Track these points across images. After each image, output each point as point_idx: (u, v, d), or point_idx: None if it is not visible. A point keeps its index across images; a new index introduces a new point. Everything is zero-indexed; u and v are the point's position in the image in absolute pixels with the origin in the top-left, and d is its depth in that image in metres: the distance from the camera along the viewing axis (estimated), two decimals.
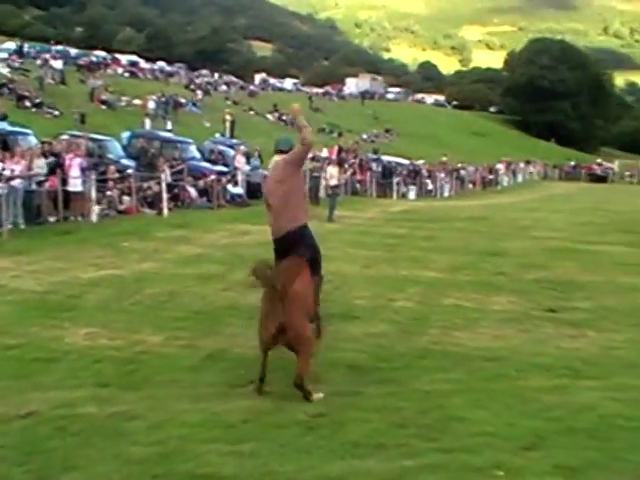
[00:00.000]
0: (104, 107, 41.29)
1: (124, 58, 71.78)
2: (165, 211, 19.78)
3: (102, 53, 70.95)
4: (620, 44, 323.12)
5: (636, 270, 13.89)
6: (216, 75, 79.47)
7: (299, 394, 6.45)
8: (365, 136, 60.60)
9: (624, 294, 11.62)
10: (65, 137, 21.43)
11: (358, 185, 31.99)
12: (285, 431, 5.73)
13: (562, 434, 5.95)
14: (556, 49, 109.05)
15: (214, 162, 26.07)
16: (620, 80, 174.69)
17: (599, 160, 65.52)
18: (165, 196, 19.97)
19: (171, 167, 22.37)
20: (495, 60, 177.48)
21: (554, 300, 10.96)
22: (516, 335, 8.93)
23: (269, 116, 57.97)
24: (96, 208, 18.07)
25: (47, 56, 50.29)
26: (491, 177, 47.51)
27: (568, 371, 7.55)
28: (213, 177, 22.89)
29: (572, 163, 63.17)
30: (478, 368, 7.56)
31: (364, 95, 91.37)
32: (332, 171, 23.51)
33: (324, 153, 35.59)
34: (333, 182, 22.99)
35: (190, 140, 27.30)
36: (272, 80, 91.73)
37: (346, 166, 32.17)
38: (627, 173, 58.78)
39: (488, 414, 6.31)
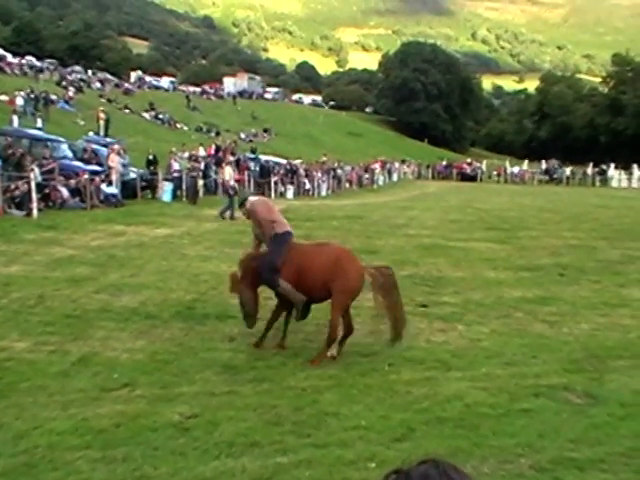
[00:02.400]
0: None
1: None
2: (35, 212, 18.96)
3: None
4: (487, 49, 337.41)
5: (501, 265, 14.59)
6: (90, 72, 77.00)
7: (173, 396, 6.43)
8: (243, 135, 60.44)
9: (490, 288, 12.18)
10: None
11: (236, 184, 31.85)
12: (159, 433, 5.66)
13: (431, 424, 6.19)
14: (428, 52, 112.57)
15: (87, 161, 25.26)
16: (487, 84, 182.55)
17: (469, 160, 68.18)
18: (35, 196, 19.16)
19: (41, 166, 21.49)
20: (371, 62, 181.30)
21: (426, 295, 11.34)
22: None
23: (145, 115, 56.77)
24: None
25: None
26: (367, 176, 48.41)
27: (438, 364, 7.85)
28: (86, 176, 22.16)
29: (444, 163, 65.38)
30: (353, 363, 7.73)
31: (241, 94, 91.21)
32: (230, 171, 23.42)
33: (201, 152, 35.24)
34: (232, 182, 22.95)
35: (62, 138, 26.32)
36: (148, 78, 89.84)
37: (223, 165, 31.98)
38: (494, 172, 61.43)
39: (361, 408, 6.47)
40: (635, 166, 58.01)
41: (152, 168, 27.45)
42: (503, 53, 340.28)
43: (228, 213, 21.64)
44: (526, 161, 64.61)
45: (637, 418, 6.41)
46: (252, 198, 8.63)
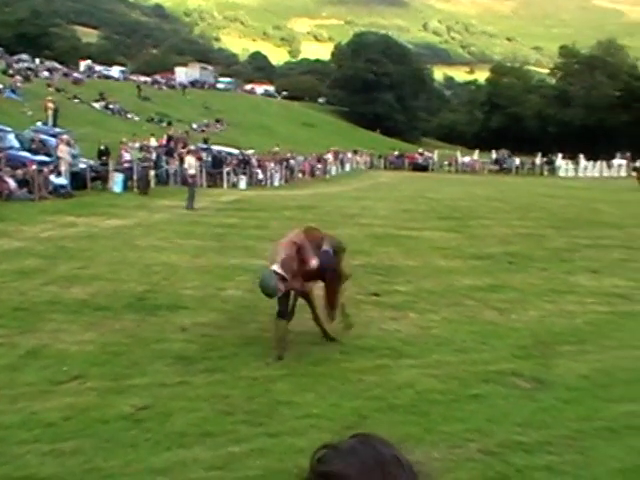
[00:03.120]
0: None
1: None
2: None
3: None
4: (439, 40, 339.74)
5: (452, 254, 14.78)
6: (37, 60, 75.28)
7: (124, 387, 6.40)
8: (195, 126, 59.81)
9: (441, 276, 12.34)
10: None
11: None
12: (110, 426, 5.62)
13: (383, 411, 6.26)
14: (380, 43, 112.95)
15: (35, 152, 24.76)
16: (439, 74, 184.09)
17: (421, 150, 68.60)
18: None
19: None
20: (323, 52, 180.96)
21: (378, 284, 11.43)
22: (342, 319, 9.23)
23: (95, 104, 55.75)
24: None
25: None
26: (320, 167, 48.38)
27: (389, 351, 7.94)
28: (34, 167, 21.74)
29: (396, 153, 65.65)
30: (305, 352, 7.77)
31: (193, 84, 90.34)
32: (190, 161, 23.28)
33: (153, 142, 34.82)
34: (192, 171, 22.82)
35: (8, 128, 25.76)
36: (98, 67, 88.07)
37: (175, 155, 31.68)
38: (445, 162, 61.90)
39: (314, 397, 6.51)
40: (581, 156, 59.20)
41: (104, 159, 27.03)
42: (454, 44, 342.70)
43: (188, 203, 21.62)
44: (477, 151, 65.28)
45: (582, 401, 6.59)
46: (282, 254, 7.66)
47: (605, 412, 6.30)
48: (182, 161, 29.16)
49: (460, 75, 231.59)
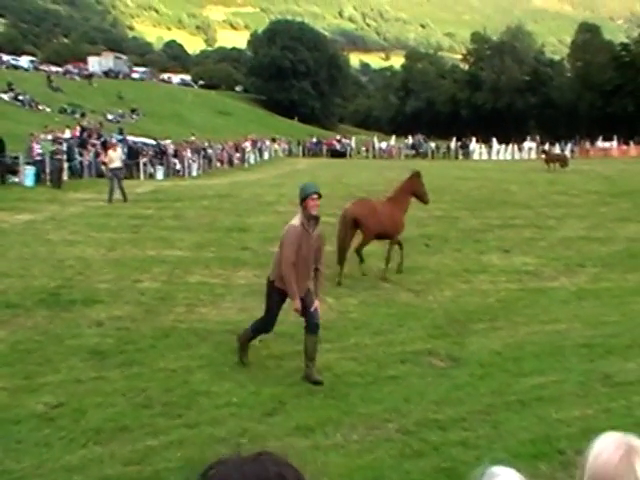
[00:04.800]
0: None
1: None
2: None
3: None
4: (354, 27, 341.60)
5: None
6: None
7: (36, 386, 6.24)
8: (110, 116, 58.45)
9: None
10: None
11: (103, 166, 30.81)
12: (22, 426, 5.48)
13: (302, 397, 6.31)
14: (296, 30, 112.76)
15: None
16: (355, 61, 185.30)
17: (338, 136, 69.02)
18: None
19: None
20: (239, 40, 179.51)
21: None
22: (260, 307, 9.16)
23: (4, 96, 53.77)
24: None
25: None
26: (238, 155, 48.05)
27: None
28: None
29: (314, 139, 65.87)
30: (223, 341, 7.73)
31: (107, 74, 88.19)
32: (112, 155, 22.76)
33: (67, 134, 33.87)
34: (117, 164, 22.39)
35: None
36: (5, 57, 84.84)
37: (89, 147, 30.91)
38: (363, 148, 62.47)
39: (233, 385, 6.50)
40: (494, 140, 60.70)
41: None
42: (369, 31, 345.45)
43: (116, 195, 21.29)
44: (393, 137, 66.10)
45: (494, 377, 6.79)
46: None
47: (516, 386, 6.52)
48: (98, 155, 28.59)
49: (376, 61, 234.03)
